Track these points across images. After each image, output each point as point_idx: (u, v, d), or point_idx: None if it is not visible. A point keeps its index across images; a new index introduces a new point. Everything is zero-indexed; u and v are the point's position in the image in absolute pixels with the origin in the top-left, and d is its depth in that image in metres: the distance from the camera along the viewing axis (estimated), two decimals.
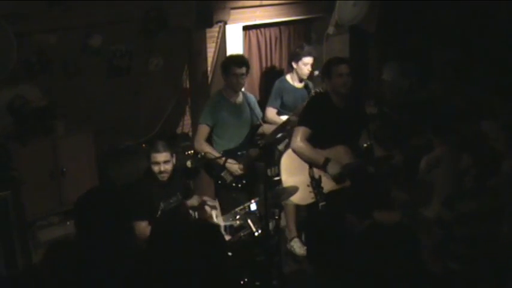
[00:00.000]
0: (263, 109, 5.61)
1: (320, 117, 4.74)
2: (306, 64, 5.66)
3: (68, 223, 4.66)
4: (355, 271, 3.16)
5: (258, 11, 5.87)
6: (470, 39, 6.18)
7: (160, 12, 5.20)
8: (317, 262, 3.13)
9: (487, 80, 5.99)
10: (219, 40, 5.72)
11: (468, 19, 6.20)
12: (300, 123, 4.84)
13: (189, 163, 4.89)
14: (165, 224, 2.84)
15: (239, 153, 5.09)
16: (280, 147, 5.53)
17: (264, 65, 6.34)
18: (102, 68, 5.17)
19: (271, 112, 5.67)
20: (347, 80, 4.68)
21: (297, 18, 6.31)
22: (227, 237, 4.36)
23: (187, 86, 5.79)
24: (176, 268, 2.56)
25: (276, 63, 6.41)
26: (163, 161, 4.41)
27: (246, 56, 5.94)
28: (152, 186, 4.46)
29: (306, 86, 5.70)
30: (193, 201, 4.83)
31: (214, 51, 5.74)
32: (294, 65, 5.73)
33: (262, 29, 6.22)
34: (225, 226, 4.63)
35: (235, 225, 4.48)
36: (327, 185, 4.50)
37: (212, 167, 5.09)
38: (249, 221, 4.36)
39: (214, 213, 4.81)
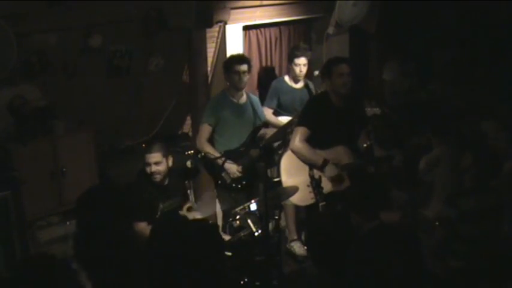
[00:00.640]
0: None
1: (319, 117, 4.74)
2: (297, 65, 5.68)
3: (68, 223, 4.66)
4: (356, 271, 3.16)
5: (258, 11, 5.87)
6: (471, 39, 6.18)
7: (160, 12, 5.20)
8: (319, 263, 3.12)
9: (487, 80, 5.99)
10: (219, 40, 5.72)
11: (468, 19, 6.21)
12: (299, 123, 4.84)
13: (189, 163, 4.90)
14: (164, 224, 2.84)
15: (240, 150, 5.09)
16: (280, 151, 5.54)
17: (263, 65, 6.34)
18: (102, 68, 5.17)
19: (266, 112, 5.67)
20: (347, 79, 4.68)
21: (297, 18, 6.31)
22: (227, 237, 4.36)
23: (187, 86, 5.79)
24: (174, 267, 2.56)
25: (276, 63, 6.41)
26: (153, 162, 4.41)
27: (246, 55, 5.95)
28: (151, 187, 4.46)
29: (306, 87, 5.70)
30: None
31: (214, 51, 5.74)
32: (289, 65, 5.76)
33: (262, 29, 6.22)
34: (225, 226, 4.64)
35: (235, 225, 4.48)
36: (327, 185, 4.51)
37: (213, 166, 5.09)
38: (249, 221, 4.36)
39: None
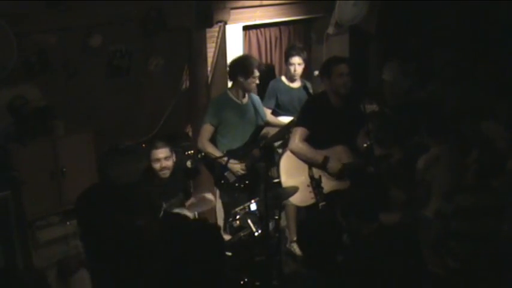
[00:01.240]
0: None
1: (318, 117, 4.74)
2: (292, 64, 5.69)
3: (68, 223, 4.66)
4: (356, 272, 3.16)
5: (258, 11, 5.87)
6: (470, 39, 6.18)
7: (160, 12, 5.20)
8: (315, 265, 3.12)
9: (487, 80, 5.99)
10: (219, 40, 5.72)
11: (468, 19, 6.21)
12: (298, 123, 4.83)
13: (189, 163, 4.90)
14: (166, 224, 2.85)
15: (243, 150, 5.10)
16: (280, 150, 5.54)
17: (267, 63, 6.34)
18: (102, 68, 5.17)
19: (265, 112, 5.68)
20: (347, 79, 4.67)
21: (297, 18, 6.31)
22: (227, 237, 4.36)
23: (187, 86, 5.79)
24: (176, 267, 2.56)
25: (276, 63, 6.41)
26: (163, 157, 4.44)
27: None
28: (153, 187, 4.47)
29: (304, 87, 5.71)
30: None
31: (214, 51, 5.74)
32: (285, 65, 5.78)
33: (262, 29, 6.22)
34: (225, 226, 4.64)
35: (235, 225, 4.48)
36: (327, 185, 4.51)
37: (215, 166, 5.10)
38: (249, 221, 4.36)
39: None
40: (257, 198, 4.53)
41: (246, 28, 6.02)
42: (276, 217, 4.35)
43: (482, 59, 6.10)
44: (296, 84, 5.81)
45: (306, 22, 6.55)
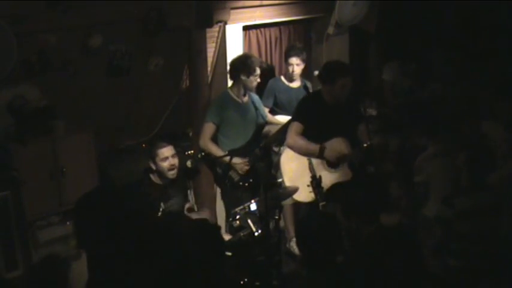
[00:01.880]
0: None
1: (312, 113, 4.81)
2: (290, 64, 5.71)
3: (68, 223, 4.66)
4: (355, 272, 3.16)
5: (258, 11, 5.87)
6: (471, 39, 6.18)
7: (160, 12, 5.20)
8: (314, 265, 3.12)
9: (487, 80, 5.99)
10: (219, 40, 5.71)
11: (468, 19, 6.20)
12: (293, 119, 4.90)
13: (189, 163, 4.91)
14: (165, 224, 2.85)
15: (245, 149, 5.10)
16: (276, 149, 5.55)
17: (267, 62, 6.34)
18: (102, 68, 5.17)
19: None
20: (348, 92, 4.72)
21: (297, 18, 6.30)
22: (227, 237, 4.36)
23: (187, 86, 5.79)
24: (175, 267, 2.56)
25: (276, 63, 6.41)
26: (171, 155, 4.42)
27: None
28: (153, 187, 4.47)
29: (304, 87, 5.71)
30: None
31: (214, 51, 5.74)
32: (284, 64, 5.79)
33: (262, 29, 6.22)
34: (226, 226, 4.64)
35: (235, 225, 4.48)
36: (328, 178, 4.52)
37: (218, 166, 5.10)
38: (249, 221, 4.36)
39: None
40: (257, 198, 4.53)
41: (246, 28, 6.02)
42: (276, 217, 4.35)
43: (482, 59, 6.10)
44: (295, 84, 5.82)
45: (306, 22, 6.55)
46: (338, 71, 4.81)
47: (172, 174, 4.47)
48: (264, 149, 5.04)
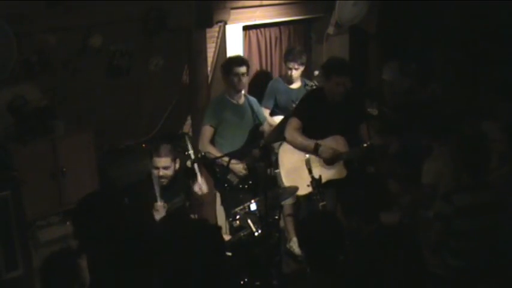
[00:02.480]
0: None
1: (313, 111, 4.84)
2: (290, 68, 5.71)
3: (68, 223, 4.66)
4: (356, 272, 3.16)
5: (258, 11, 5.87)
6: (471, 39, 6.18)
7: (160, 12, 5.20)
8: (315, 265, 3.12)
9: (487, 80, 5.99)
10: (219, 40, 5.72)
11: (468, 19, 6.20)
12: (292, 115, 4.93)
13: (189, 163, 4.89)
14: (167, 224, 2.85)
15: (243, 150, 5.10)
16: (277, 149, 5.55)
17: (264, 65, 6.34)
18: (102, 68, 5.17)
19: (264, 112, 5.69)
20: (343, 90, 4.74)
21: (297, 18, 6.31)
22: (227, 237, 4.36)
23: (187, 86, 5.79)
24: (177, 267, 2.56)
25: (276, 63, 6.41)
26: (162, 167, 4.40)
27: (246, 56, 5.95)
28: (153, 189, 4.47)
29: (305, 86, 5.72)
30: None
31: (214, 51, 5.74)
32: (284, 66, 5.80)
33: (262, 29, 6.22)
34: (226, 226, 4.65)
35: (235, 225, 4.48)
36: (323, 174, 4.53)
37: (217, 170, 5.10)
38: (249, 221, 4.36)
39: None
40: (257, 198, 4.53)
41: (246, 28, 6.02)
42: (276, 217, 4.35)
43: (483, 59, 6.10)
44: (295, 85, 5.82)
45: (306, 22, 6.55)
46: (335, 68, 4.83)
47: (160, 182, 4.45)
48: (263, 149, 5.04)
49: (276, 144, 5.57)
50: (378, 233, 3.35)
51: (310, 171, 4.26)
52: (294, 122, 4.88)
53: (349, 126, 4.91)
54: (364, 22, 6.39)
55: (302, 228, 3.25)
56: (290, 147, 4.92)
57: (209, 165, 5.10)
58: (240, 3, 5.68)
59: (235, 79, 5.12)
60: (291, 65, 5.71)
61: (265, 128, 5.41)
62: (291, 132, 4.87)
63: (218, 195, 5.54)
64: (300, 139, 4.84)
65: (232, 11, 5.61)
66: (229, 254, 4.10)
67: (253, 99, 5.38)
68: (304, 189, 4.51)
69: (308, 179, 4.26)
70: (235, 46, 5.83)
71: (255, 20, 5.95)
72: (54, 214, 4.69)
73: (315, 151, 4.78)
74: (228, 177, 5.06)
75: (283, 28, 6.36)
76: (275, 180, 5.01)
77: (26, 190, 4.40)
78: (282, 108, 5.76)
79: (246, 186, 5.10)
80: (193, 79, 5.71)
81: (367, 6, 6.23)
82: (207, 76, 5.73)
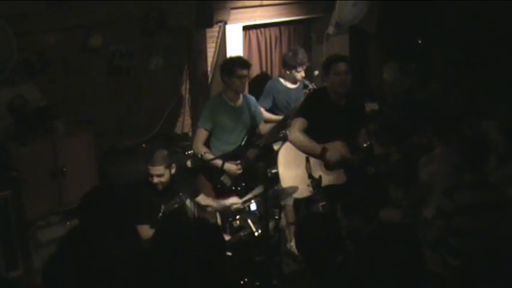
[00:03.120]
0: None
1: (317, 110, 4.75)
2: (298, 71, 5.66)
3: (68, 223, 4.66)
4: (355, 271, 3.16)
5: (258, 11, 5.87)
6: (471, 39, 6.18)
7: (160, 12, 5.20)
8: (314, 265, 3.12)
9: (487, 80, 5.99)
10: (219, 40, 5.72)
11: (468, 19, 6.21)
12: (297, 114, 4.86)
13: (189, 163, 4.89)
14: (167, 225, 2.85)
15: (237, 152, 5.09)
16: (276, 147, 5.54)
17: (264, 65, 6.34)
18: (102, 68, 5.17)
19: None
20: (345, 78, 4.65)
21: (297, 18, 6.31)
22: (227, 237, 4.36)
23: (187, 86, 5.79)
24: (176, 267, 2.56)
25: (276, 63, 6.41)
26: (156, 175, 4.42)
27: (246, 56, 5.95)
28: (153, 189, 4.47)
29: (304, 85, 5.71)
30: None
31: (214, 51, 5.74)
32: (286, 69, 5.73)
33: (262, 29, 6.22)
34: (224, 227, 4.64)
35: (235, 225, 4.48)
36: (324, 179, 4.51)
37: (211, 171, 5.08)
38: (249, 221, 4.36)
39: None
40: (257, 198, 4.53)
41: (246, 28, 6.02)
42: (276, 217, 4.35)
43: (483, 59, 6.10)
44: (294, 85, 5.81)
45: (306, 22, 6.55)
46: (332, 58, 4.80)
47: (157, 187, 4.47)
48: (263, 149, 5.03)
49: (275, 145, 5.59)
50: (378, 232, 3.35)
51: (310, 176, 4.24)
52: (300, 123, 4.73)
53: (352, 128, 4.88)
54: (364, 22, 6.39)
55: (301, 228, 3.24)
56: (290, 149, 4.83)
57: (205, 166, 5.07)
58: (240, 3, 5.68)
59: (238, 82, 5.04)
60: (299, 68, 5.67)
61: (261, 127, 5.38)
62: (296, 133, 4.71)
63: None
64: (307, 141, 4.68)
65: (232, 11, 5.61)
66: (229, 254, 4.10)
67: (251, 99, 5.34)
68: (304, 192, 4.50)
69: (308, 182, 4.26)
70: (235, 46, 5.83)
71: (255, 20, 5.95)
72: (54, 214, 4.70)
73: (321, 155, 4.71)
74: (222, 178, 5.04)
75: (283, 28, 6.36)
76: (275, 180, 5.00)
77: (26, 190, 4.41)
78: (280, 108, 5.76)
79: (239, 188, 5.08)
80: (193, 79, 5.71)
81: (367, 6, 6.23)
82: (207, 76, 5.73)
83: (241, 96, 5.20)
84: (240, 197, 4.92)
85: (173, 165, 4.53)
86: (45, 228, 4.66)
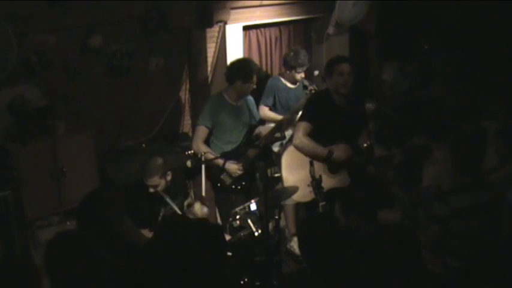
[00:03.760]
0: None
1: (320, 113, 4.75)
2: (299, 72, 5.67)
3: (68, 223, 4.67)
4: (356, 272, 3.16)
5: (258, 11, 5.87)
6: (471, 39, 6.18)
7: (160, 12, 5.20)
8: (314, 265, 3.12)
9: (488, 80, 5.99)
10: (219, 40, 5.72)
11: (468, 19, 6.21)
12: (301, 118, 4.86)
13: (189, 163, 4.89)
14: (167, 226, 2.84)
15: (237, 151, 5.09)
16: (276, 149, 5.54)
17: (264, 65, 6.34)
18: (102, 68, 5.17)
19: (263, 110, 5.68)
20: (348, 79, 4.67)
21: (297, 18, 6.31)
22: (227, 237, 4.36)
23: (187, 86, 5.79)
24: (177, 268, 2.56)
25: (276, 63, 6.41)
26: (151, 186, 4.45)
27: (246, 56, 5.95)
28: (152, 193, 4.48)
29: (303, 86, 5.71)
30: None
31: (214, 51, 5.74)
32: (286, 69, 5.73)
33: (262, 29, 6.22)
34: (225, 226, 4.64)
35: (235, 225, 4.48)
36: (326, 183, 4.52)
37: (211, 169, 5.08)
38: (249, 221, 4.36)
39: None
40: (257, 198, 4.52)
41: (246, 28, 6.02)
42: (276, 217, 4.35)
43: (483, 59, 6.10)
44: (293, 85, 5.82)
45: (306, 22, 6.55)
46: (334, 60, 4.81)
47: (154, 193, 4.51)
48: (263, 149, 5.03)
49: (275, 145, 5.59)
50: (378, 232, 3.35)
51: (313, 179, 4.24)
52: (304, 127, 4.73)
53: (355, 129, 4.88)
54: (364, 22, 6.39)
55: (301, 228, 3.24)
56: (294, 153, 4.82)
57: (205, 165, 5.07)
58: (240, 3, 5.68)
59: (252, 86, 5.04)
60: (300, 69, 5.67)
61: (260, 128, 5.38)
62: (301, 138, 4.71)
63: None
64: (312, 145, 4.69)
65: (232, 11, 5.61)
66: (229, 254, 4.10)
67: (250, 99, 5.34)
68: (307, 196, 4.51)
69: (311, 188, 4.27)
70: (235, 46, 5.83)
71: (255, 20, 5.95)
72: (54, 214, 4.70)
73: (327, 159, 4.70)
74: (222, 177, 5.04)
75: (283, 28, 6.37)
76: (276, 180, 5.00)
77: (26, 190, 4.41)
78: (281, 107, 5.76)
79: (239, 187, 5.08)
80: (193, 79, 5.71)
81: (367, 6, 6.23)
82: (207, 76, 5.73)
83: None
84: (241, 196, 4.94)
85: (169, 172, 4.55)
86: (45, 228, 4.66)
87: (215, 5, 5.47)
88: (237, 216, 4.48)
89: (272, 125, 5.44)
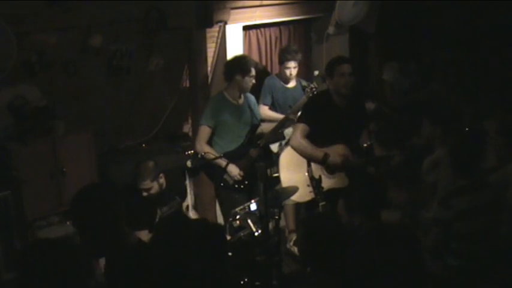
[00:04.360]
0: None
1: (319, 115, 4.75)
2: (287, 68, 5.72)
3: (68, 223, 4.67)
4: (355, 271, 3.16)
5: (258, 11, 5.87)
6: (471, 39, 6.18)
7: (160, 12, 5.20)
8: (314, 265, 3.12)
9: (487, 80, 5.99)
10: (219, 40, 5.72)
11: (468, 19, 6.20)
12: (299, 120, 4.87)
13: (189, 163, 4.89)
14: (166, 227, 2.84)
15: (240, 151, 5.09)
16: (275, 149, 5.54)
17: (264, 65, 6.34)
18: (102, 68, 5.17)
19: (263, 109, 5.69)
20: (349, 79, 4.68)
21: (297, 18, 6.30)
22: (227, 237, 4.36)
23: (187, 86, 5.79)
24: (177, 268, 2.55)
25: (276, 63, 6.41)
26: (143, 189, 4.46)
27: None
28: (145, 196, 4.49)
29: (301, 86, 5.71)
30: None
31: (214, 51, 5.74)
32: (280, 66, 5.77)
33: (262, 29, 6.22)
34: (225, 226, 4.64)
35: (235, 225, 4.48)
36: (325, 183, 4.52)
37: (213, 169, 5.08)
38: (249, 221, 4.36)
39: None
40: (257, 198, 4.52)
41: (246, 28, 6.02)
42: (276, 217, 4.35)
43: (483, 59, 6.10)
44: (291, 84, 5.83)
45: (306, 22, 6.55)
46: (335, 60, 4.81)
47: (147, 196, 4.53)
48: (263, 149, 5.03)
49: (274, 146, 5.59)
50: (378, 232, 3.35)
51: (313, 179, 4.24)
52: (301, 128, 4.74)
53: (355, 129, 4.88)
54: (364, 22, 6.39)
55: (301, 228, 3.24)
56: (292, 153, 4.83)
57: (207, 165, 5.07)
58: (240, 3, 5.68)
59: (250, 82, 5.05)
60: (290, 64, 5.69)
61: (262, 126, 5.39)
62: (298, 139, 4.72)
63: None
64: (309, 148, 4.70)
65: (232, 11, 5.61)
66: (229, 254, 4.10)
67: (251, 98, 5.34)
68: (306, 196, 4.51)
69: (310, 188, 4.27)
70: (235, 46, 5.83)
71: (255, 20, 5.95)
72: (54, 214, 4.70)
73: (323, 162, 4.71)
74: (224, 176, 5.05)
75: (283, 28, 6.37)
76: (276, 181, 5.00)
77: (26, 190, 4.41)
78: (278, 107, 5.76)
79: (242, 186, 5.08)
80: (193, 79, 5.71)
81: (367, 6, 6.23)
82: (207, 76, 5.73)
83: (242, 95, 5.21)
84: (243, 196, 4.94)
85: (161, 175, 4.55)
86: (45, 228, 4.66)
87: (215, 5, 5.47)
88: (237, 216, 4.48)
89: (273, 124, 5.44)
